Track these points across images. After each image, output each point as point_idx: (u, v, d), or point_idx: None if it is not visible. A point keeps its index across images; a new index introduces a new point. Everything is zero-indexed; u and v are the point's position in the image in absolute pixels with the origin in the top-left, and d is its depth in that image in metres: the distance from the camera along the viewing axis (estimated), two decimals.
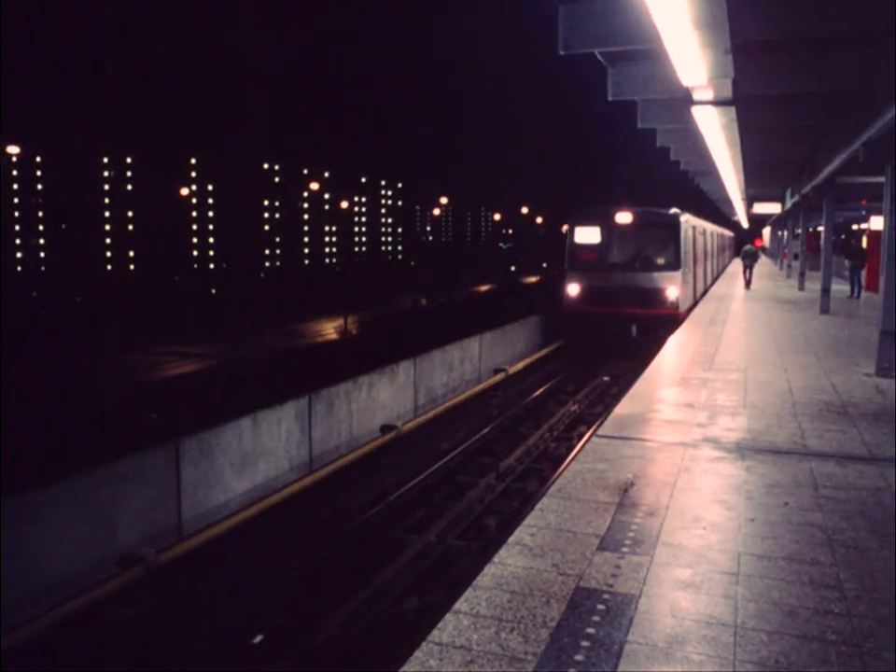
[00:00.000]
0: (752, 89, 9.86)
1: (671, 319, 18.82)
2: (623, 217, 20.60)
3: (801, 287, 26.40)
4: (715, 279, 34.50)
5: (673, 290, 20.01)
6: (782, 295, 25.35)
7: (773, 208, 36.27)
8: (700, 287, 25.63)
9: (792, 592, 4.07)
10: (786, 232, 40.32)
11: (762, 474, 6.10)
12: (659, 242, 20.65)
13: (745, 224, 60.71)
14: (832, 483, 5.91)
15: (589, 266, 20.89)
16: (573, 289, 20.98)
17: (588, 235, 21.17)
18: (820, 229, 30.20)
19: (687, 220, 21.56)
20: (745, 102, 9.96)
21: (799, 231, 30.48)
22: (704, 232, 27.85)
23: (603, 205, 21.78)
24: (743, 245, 32.95)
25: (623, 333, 20.00)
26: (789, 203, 30.88)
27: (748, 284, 28.37)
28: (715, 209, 49.85)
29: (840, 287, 23.70)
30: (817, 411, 8.38)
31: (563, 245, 22.35)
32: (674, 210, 21.57)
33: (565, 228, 23.07)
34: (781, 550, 4.62)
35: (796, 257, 32.01)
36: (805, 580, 4.21)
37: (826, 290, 18.98)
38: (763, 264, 46.04)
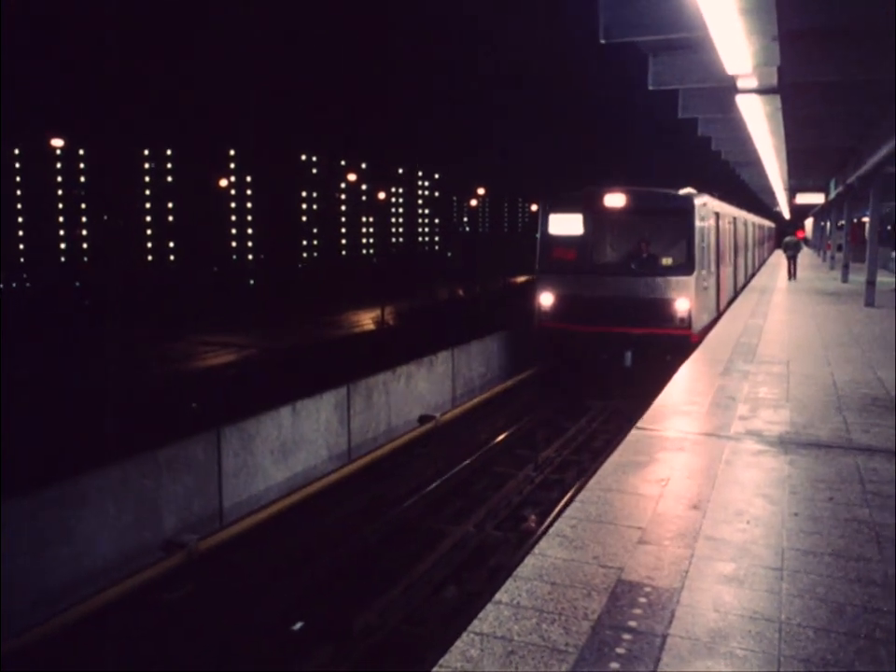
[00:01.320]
0: (798, 77, 9.69)
1: (680, 342, 13.96)
2: (615, 200, 14.91)
3: (844, 279, 25.92)
4: (749, 279, 28.95)
5: (683, 302, 14.32)
6: (825, 287, 24.91)
7: (816, 199, 35.78)
8: (726, 293, 19.81)
9: (839, 588, 4.00)
10: (829, 223, 39.63)
11: (805, 468, 6.00)
12: (665, 234, 15.18)
13: (787, 215, 59.78)
14: (878, 477, 5.79)
15: (568, 268, 15.37)
16: (546, 299, 15.31)
17: (566, 225, 15.45)
18: (865, 219, 29.68)
19: (706, 204, 15.84)
20: (790, 90, 9.80)
21: (843, 221, 29.96)
22: (734, 221, 22.10)
23: (589, 184, 16.01)
24: (784, 236, 32.47)
25: (613, 361, 14.70)
26: (833, 194, 30.38)
27: (791, 274, 28.18)
28: (756, 200, 49.14)
29: (885, 280, 23.24)
30: (862, 404, 8.22)
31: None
32: (687, 190, 15.81)
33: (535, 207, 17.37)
34: (827, 545, 4.55)
35: (840, 248, 31.47)
36: (851, 576, 4.14)
37: (871, 282, 18.62)
38: (805, 255, 45.19)
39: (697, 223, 14.67)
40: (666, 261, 14.85)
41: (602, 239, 15.71)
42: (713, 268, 16.65)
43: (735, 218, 22.27)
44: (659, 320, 14.43)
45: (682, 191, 15.53)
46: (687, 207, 14.76)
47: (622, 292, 14.68)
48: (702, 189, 17.05)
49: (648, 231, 15.18)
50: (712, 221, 16.56)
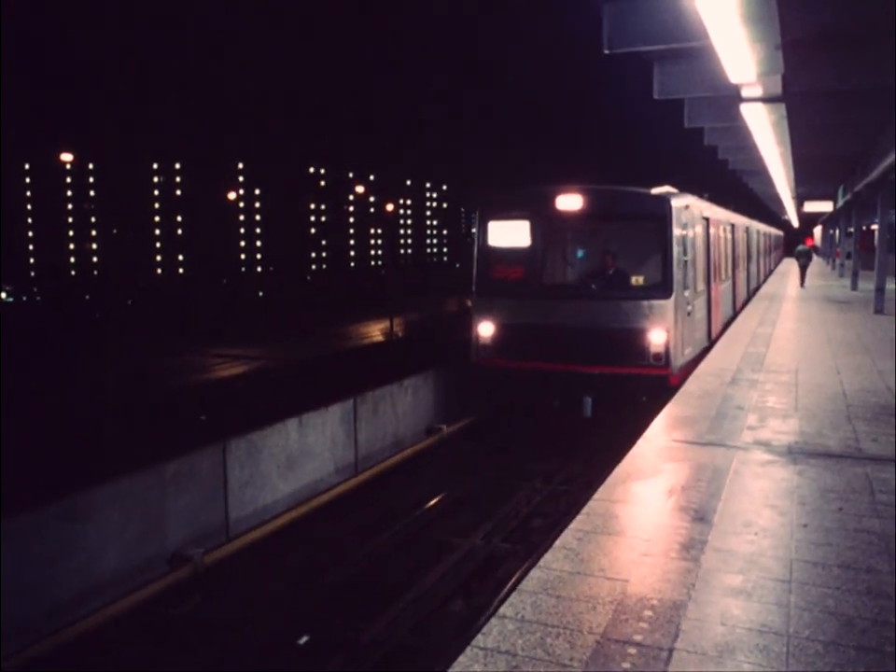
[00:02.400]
0: (803, 84, 9.66)
1: (654, 384, 11.03)
2: (570, 202, 11.68)
3: (854, 287, 25.84)
4: (753, 292, 25.89)
5: (659, 334, 11.18)
6: (835, 295, 24.81)
7: (824, 206, 35.69)
8: (722, 314, 16.31)
9: (848, 601, 3.95)
10: (838, 231, 39.50)
11: (814, 478, 5.94)
12: (636, 245, 12.17)
13: (795, 223, 59.66)
14: (889, 488, 5.72)
15: (511, 289, 12.18)
16: (485, 329, 12.10)
17: (509, 235, 12.34)
18: (874, 227, 29.60)
19: (688, 207, 12.40)
20: (795, 98, 9.79)
21: (852, 229, 29.93)
22: (732, 228, 18.86)
23: (540, 185, 12.74)
24: (793, 244, 32.57)
25: (569, 409, 11.59)
26: (841, 201, 30.31)
27: (802, 282, 28.47)
28: (764, 208, 49.07)
29: (894, 287, 23.12)
30: (872, 413, 8.15)
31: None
32: (663, 189, 12.41)
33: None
34: (836, 557, 4.49)
35: (849, 256, 31.45)
36: (861, 588, 4.09)
37: (880, 290, 18.54)
38: (815, 263, 44.93)
39: (676, 231, 11.50)
40: (637, 280, 11.75)
41: (555, 252, 12.68)
42: (701, 286, 13.52)
43: (733, 225, 19.16)
44: (627, 356, 11.30)
45: (656, 190, 12.11)
46: (661, 211, 11.51)
47: (580, 320, 11.51)
48: (698, 192, 14.78)
49: (614, 241, 12.18)
50: (699, 228, 13.43)
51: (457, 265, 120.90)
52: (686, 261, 11.95)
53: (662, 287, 11.40)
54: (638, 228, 12.07)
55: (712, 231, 14.76)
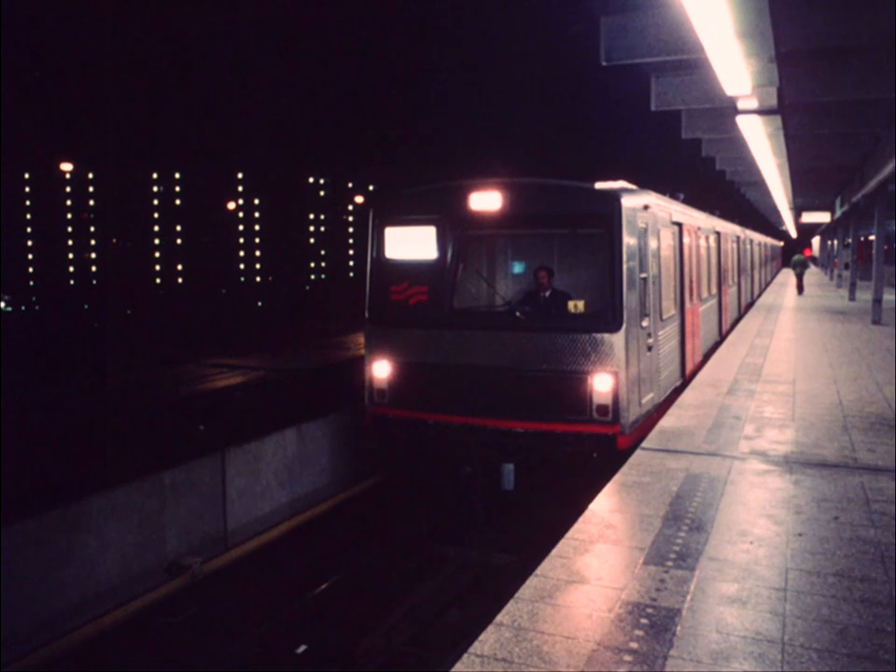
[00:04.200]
0: (798, 97, 9.76)
1: (598, 446, 8.21)
2: (488, 200, 8.80)
3: (852, 298, 25.91)
4: (746, 309, 23.49)
5: (604, 379, 8.23)
6: (832, 305, 24.86)
7: (822, 217, 35.83)
8: (701, 342, 13.30)
9: (843, 609, 3.97)
10: (836, 242, 39.61)
11: (810, 488, 5.97)
12: (574, 258, 9.95)
13: (793, 234, 59.84)
14: (884, 497, 5.75)
15: (413, 317, 9.10)
16: (380, 369, 9.19)
17: (411, 245, 9.26)
18: (872, 237, 29.74)
19: (647, 208, 9.14)
20: (790, 110, 9.85)
21: (849, 240, 30.04)
22: (717, 238, 15.75)
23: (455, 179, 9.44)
24: (791, 254, 32.84)
25: (484, 479, 8.67)
26: (838, 212, 30.44)
27: (800, 289, 29.12)
28: (763, 218, 49.22)
29: (892, 298, 23.20)
30: (868, 423, 8.18)
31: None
32: (614, 184, 9.09)
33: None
34: (831, 566, 4.52)
35: (846, 266, 31.58)
36: (856, 597, 4.11)
37: (878, 300, 18.60)
38: (813, 274, 45.12)
39: (629, 239, 8.46)
40: (577, 306, 8.79)
41: (470, 268, 9.97)
42: (670, 310, 10.47)
43: (719, 233, 15.99)
44: (563, 409, 8.32)
45: (602, 185, 8.96)
46: (607, 212, 8.44)
47: (500, 359, 8.55)
48: (672, 191, 12.24)
49: (549, 253, 9.92)
50: (667, 236, 10.49)
51: None
52: (644, 280, 8.96)
53: (608, 316, 8.39)
54: (579, 235, 9.55)
55: (687, 240, 11.84)
